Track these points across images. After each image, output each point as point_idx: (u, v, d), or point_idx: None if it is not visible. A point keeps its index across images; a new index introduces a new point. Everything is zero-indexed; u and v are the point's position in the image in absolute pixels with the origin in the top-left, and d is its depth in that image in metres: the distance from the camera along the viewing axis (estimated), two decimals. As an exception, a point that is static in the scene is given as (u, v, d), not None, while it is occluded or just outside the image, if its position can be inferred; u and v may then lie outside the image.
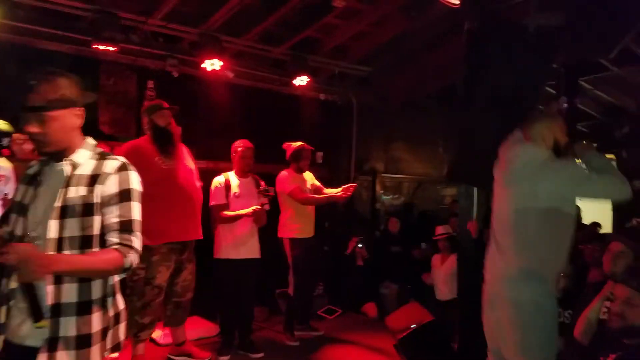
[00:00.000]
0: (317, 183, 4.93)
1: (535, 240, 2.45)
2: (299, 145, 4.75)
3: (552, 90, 4.89)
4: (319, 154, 6.48)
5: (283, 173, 4.72)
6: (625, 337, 2.06)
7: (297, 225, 4.65)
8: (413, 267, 6.22)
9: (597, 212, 7.82)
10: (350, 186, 4.59)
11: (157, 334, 4.28)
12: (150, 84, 5.09)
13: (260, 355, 4.21)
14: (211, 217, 4.22)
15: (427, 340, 4.48)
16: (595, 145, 2.58)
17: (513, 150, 2.63)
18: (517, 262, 2.47)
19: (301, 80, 5.57)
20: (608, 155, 9.36)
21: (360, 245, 6.21)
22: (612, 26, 3.48)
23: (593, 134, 8.70)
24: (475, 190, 3.93)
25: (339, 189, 4.62)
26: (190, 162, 3.90)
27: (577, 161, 2.52)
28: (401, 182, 7.66)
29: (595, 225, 7.05)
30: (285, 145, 4.80)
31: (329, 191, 4.83)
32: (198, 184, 3.91)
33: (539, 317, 2.39)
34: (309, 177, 4.90)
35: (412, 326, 4.61)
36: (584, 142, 2.59)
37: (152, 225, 3.61)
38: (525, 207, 2.48)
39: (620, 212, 9.05)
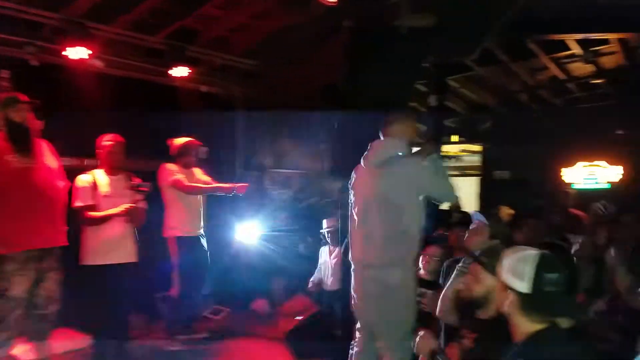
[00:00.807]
0: (207, 179, 4.76)
1: (401, 229, 2.86)
2: (186, 141, 4.54)
3: (423, 88, 5.28)
4: (203, 149, 6.26)
5: (166, 165, 4.49)
6: (474, 311, 2.26)
7: (182, 222, 4.45)
8: (301, 260, 6.30)
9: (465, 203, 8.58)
10: (243, 185, 4.50)
11: (20, 349, 3.84)
12: (5, 73, 4.50)
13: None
14: (78, 219, 3.86)
15: (313, 330, 4.58)
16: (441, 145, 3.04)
17: (377, 144, 3.04)
18: (388, 249, 2.88)
19: (180, 71, 5.32)
20: (475, 147, 10.40)
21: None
22: (473, 28, 3.81)
23: (458, 128, 9.56)
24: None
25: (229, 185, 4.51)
26: (52, 160, 3.54)
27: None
28: (289, 177, 7.72)
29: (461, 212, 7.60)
30: (169, 141, 4.55)
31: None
32: (61, 184, 3.55)
33: (407, 295, 2.99)
34: (198, 173, 4.72)
35: (298, 318, 4.70)
36: (431, 143, 3.06)
37: (6, 231, 3.25)
38: (390, 199, 2.89)
39: (485, 201, 10.09)
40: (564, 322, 1.84)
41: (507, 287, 1.74)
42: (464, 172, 11.10)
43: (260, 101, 6.58)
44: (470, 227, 3.44)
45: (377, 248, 3.01)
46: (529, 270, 1.69)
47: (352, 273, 3.26)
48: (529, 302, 1.70)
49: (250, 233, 6.20)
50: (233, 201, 6.17)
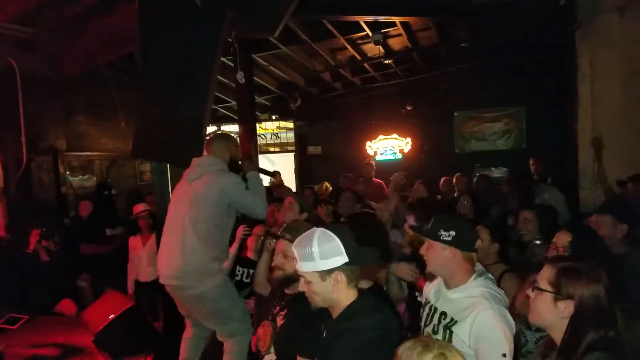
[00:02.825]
0: None
1: (216, 231, 3.14)
2: None
3: (229, 63, 5.18)
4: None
5: None
6: (285, 287, 2.33)
7: None
8: (110, 253, 5.78)
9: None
10: None
11: None
12: None
13: None
14: None
15: (128, 327, 4.26)
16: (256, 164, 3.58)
17: (197, 160, 3.27)
18: (208, 249, 3.12)
19: None
20: (289, 124, 10.76)
21: (43, 239, 5.35)
22: (274, 7, 3.84)
23: (273, 106, 9.80)
24: (169, 166, 3.84)
25: None
26: None
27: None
28: (91, 161, 6.94)
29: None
30: None
31: None
32: None
33: (228, 288, 3.27)
34: None
35: (111, 316, 4.30)
36: (250, 161, 3.61)
37: None
38: (198, 211, 3.11)
39: (302, 176, 10.61)
40: (366, 284, 2.00)
41: (327, 273, 1.76)
42: (283, 148, 11.48)
43: (46, 74, 5.69)
44: (284, 204, 3.63)
45: (181, 261, 3.15)
46: (337, 243, 1.75)
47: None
48: (352, 270, 1.79)
49: (48, 228, 5.43)
50: (21, 192, 5.32)
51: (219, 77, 4.77)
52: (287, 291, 2.32)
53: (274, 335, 2.35)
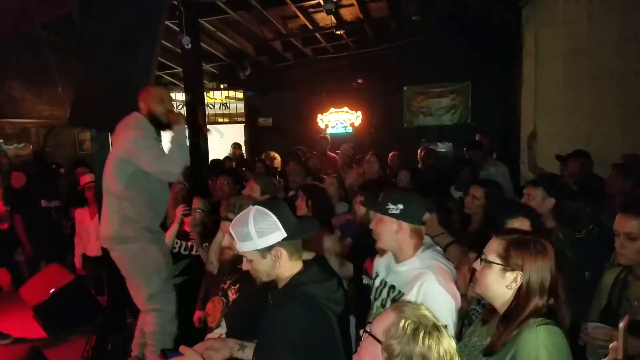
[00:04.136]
0: None
1: (128, 191, 2.98)
2: None
3: (174, 27, 4.93)
4: None
5: None
6: (238, 264, 2.31)
7: None
8: (50, 226, 5.51)
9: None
10: None
11: None
12: None
13: None
14: None
15: (70, 301, 4.14)
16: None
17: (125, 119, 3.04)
18: (122, 211, 2.99)
19: None
20: (239, 94, 10.53)
21: None
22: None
23: (221, 74, 9.53)
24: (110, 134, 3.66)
25: None
26: None
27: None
28: (27, 128, 6.53)
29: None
30: None
31: None
32: None
33: (145, 256, 3.08)
34: None
35: (52, 290, 4.16)
36: (180, 114, 3.19)
37: None
38: (113, 167, 2.98)
39: (252, 147, 10.46)
40: (309, 255, 2.00)
41: (267, 250, 1.75)
42: (232, 119, 11.23)
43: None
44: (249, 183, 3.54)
45: (103, 223, 3.10)
46: (273, 220, 1.74)
47: None
48: (292, 244, 1.78)
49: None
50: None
51: (163, 41, 4.54)
52: (239, 266, 2.30)
53: (224, 310, 2.33)
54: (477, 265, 1.72)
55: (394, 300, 1.97)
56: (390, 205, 1.99)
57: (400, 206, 1.98)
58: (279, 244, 1.75)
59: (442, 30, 7.77)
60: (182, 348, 1.72)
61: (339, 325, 1.82)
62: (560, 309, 1.64)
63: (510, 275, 1.63)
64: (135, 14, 3.04)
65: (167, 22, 4.33)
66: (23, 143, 6.43)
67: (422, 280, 1.89)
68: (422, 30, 7.83)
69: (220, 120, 10.75)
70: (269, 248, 1.75)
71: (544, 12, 5.54)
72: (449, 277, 1.94)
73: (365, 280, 2.70)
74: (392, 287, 2.04)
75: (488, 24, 7.27)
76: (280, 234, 1.74)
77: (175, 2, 3.59)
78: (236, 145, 8.60)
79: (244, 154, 8.99)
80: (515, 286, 1.62)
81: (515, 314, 1.61)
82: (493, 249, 1.68)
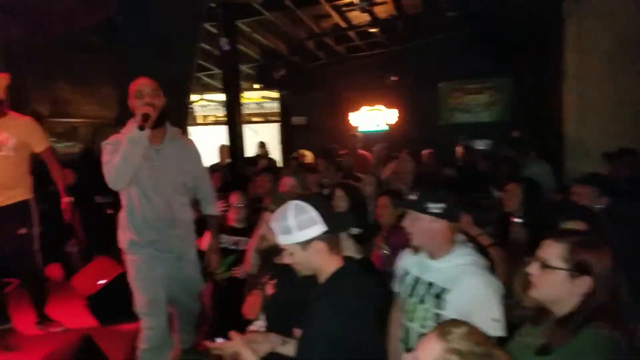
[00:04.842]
0: None
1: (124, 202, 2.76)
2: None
3: (212, 30, 5.04)
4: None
5: None
6: (273, 257, 2.37)
7: None
8: (99, 220, 5.74)
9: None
10: None
11: None
12: None
13: None
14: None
15: (119, 292, 4.29)
16: None
17: None
18: None
19: None
20: (273, 94, 10.64)
21: None
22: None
23: (257, 75, 9.67)
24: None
25: None
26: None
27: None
28: (75, 127, 6.81)
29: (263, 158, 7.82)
30: None
31: None
32: None
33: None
34: None
35: (102, 282, 4.33)
36: (145, 111, 2.55)
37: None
38: None
39: (286, 146, 10.58)
40: (356, 255, 2.03)
41: (307, 243, 1.77)
42: (266, 118, 11.38)
43: (24, 39, 5.51)
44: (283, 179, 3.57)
45: None
46: (313, 213, 1.77)
47: None
48: (332, 238, 1.81)
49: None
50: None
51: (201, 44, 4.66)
52: (276, 261, 2.36)
53: (263, 303, 2.39)
54: (533, 269, 1.63)
55: (437, 296, 1.97)
56: (431, 204, 1.99)
57: (443, 205, 1.98)
58: (319, 237, 1.78)
59: (479, 26, 7.64)
60: (232, 333, 1.79)
61: (379, 322, 1.85)
62: (622, 313, 1.55)
63: (576, 281, 1.53)
64: (176, 16, 3.14)
65: (205, 25, 4.43)
66: (72, 142, 6.71)
67: (468, 276, 1.90)
68: (458, 25, 7.73)
69: (255, 119, 10.90)
70: (309, 241, 1.79)
71: (587, 4, 5.37)
72: (489, 272, 1.95)
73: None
74: (430, 283, 2.04)
75: (528, 18, 7.09)
76: (320, 227, 1.77)
77: (214, 5, 3.68)
78: (261, 144, 8.77)
79: (268, 153, 9.14)
80: (581, 291, 1.53)
81: (576, 317, 1.53)
82: (554, 252, 1.57)
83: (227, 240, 3.78)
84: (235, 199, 3.74)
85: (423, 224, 2.02)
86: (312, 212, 1.79)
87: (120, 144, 2.53)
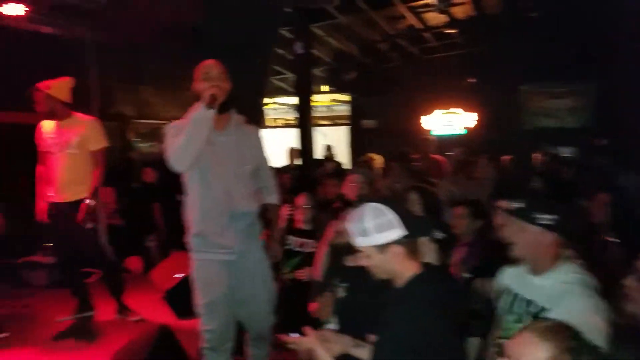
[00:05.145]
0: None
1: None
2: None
3: (286, 34, 5.13)
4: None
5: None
6: (343, 256, 2.33)
7: (49, 186, 3.82)
8: (177, 217, 6.03)
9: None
10: None
11: None
12: None
13: (6, 335, 3.61)
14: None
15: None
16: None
17: None
18: None
19: (13, 9, 4.54)
20: (344, 97, 10.67)
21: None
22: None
23: (328, 78, 9.72)
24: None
25: None
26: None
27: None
28: (157, 128, 7.22)
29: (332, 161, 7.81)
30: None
31: None
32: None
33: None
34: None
35: (179, 276, 4.50)
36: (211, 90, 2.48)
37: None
38: None
39: (356, 149, 10.55)
40: (434, 262, 1.95)
41: (385, 246, 1.73)
42: (335, 121, 11.43)
43: (116, 43, 5.92)
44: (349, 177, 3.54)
45: None
46: (392, 216, 1.72)
47: None
48: (411, 243, 1.76)
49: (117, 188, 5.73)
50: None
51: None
52: (348, 263, 2.33)
53: (335, 306, 2.37)
54: (631, 282, 1.56)
55: (535, 316, 1.84)
56: (540, 215, 1.84)
57: (555, 217, 1.82)
58: (397, 241, 1.73)
59: (564, 28, 7.19)
60: (306, 329, 1.79)
61: (455, 331, 1.77)
62: None
63: None
64: (255, 23, 3.20)
65: (279, 30, 4.50)
66: (154, 142, 7.11)
67: (572, 297, 1.74)
68: (540, 27, 7.33)
69: (323, 122, 10.96)
70: (387, 245, 1.74)
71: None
72: (596, 293, 1.77)
73: None
74: (529, 301, 1.90)
75: (615, 19, 6.58)
76: (399, 231, 1.73)
77: (289, 10, 3.73)
78: (328, 147, 8.80)
79: (334, 155, 9.14)
80: None
81: None
82: None
83: (293, 241, 3.77)
84: (302, 200, 3.74)
85: (529, 236, 1.86)
86: (390, 215, 1.74)
87: (173, 127, 2.51)
